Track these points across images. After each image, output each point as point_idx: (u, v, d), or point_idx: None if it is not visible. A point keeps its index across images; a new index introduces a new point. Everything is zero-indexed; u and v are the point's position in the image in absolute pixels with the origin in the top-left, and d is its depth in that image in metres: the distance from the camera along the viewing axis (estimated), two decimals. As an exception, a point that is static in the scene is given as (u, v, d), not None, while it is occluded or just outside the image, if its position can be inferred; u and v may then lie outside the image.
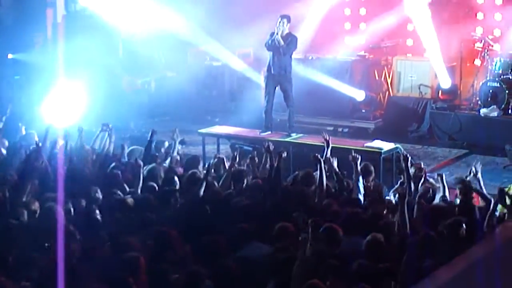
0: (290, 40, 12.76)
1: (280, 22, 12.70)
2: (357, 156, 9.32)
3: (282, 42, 12.64)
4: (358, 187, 8.98)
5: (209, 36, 16.79)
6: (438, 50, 15.21)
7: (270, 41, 12.75)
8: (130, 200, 8.43)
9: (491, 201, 8.10)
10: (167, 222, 7.74)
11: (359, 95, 15.56)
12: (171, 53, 17.40)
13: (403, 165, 8.94)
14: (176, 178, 9.31)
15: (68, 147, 10.18)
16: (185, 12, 15.99)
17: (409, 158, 9.01)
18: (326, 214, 7.94)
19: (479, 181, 8.81)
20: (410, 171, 8.87)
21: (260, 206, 8.43)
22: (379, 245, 7.06)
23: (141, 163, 9.33)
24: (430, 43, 15.34)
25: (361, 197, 8.88)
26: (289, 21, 12.75)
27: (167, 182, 9.26)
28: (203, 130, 13.74)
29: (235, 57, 17.20)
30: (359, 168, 9.17)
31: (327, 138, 10.35)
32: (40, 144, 9.69)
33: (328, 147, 10.11)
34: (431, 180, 9.35)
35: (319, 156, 9.37)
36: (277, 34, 12.63)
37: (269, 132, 13.00)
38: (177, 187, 9.12)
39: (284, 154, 9.52)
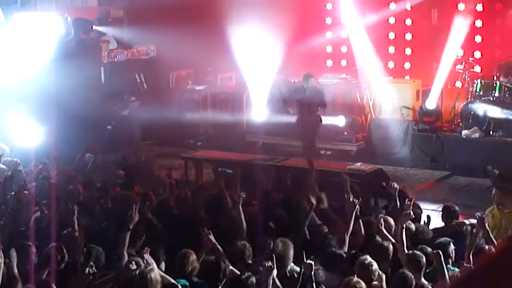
0: None
1: None
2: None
3: None
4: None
5: (192, 60, 16.81)
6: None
7: None
8: None
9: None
10: None
11: (340, 120, 15.61)
12: (153, 77, 17.39)
13: (391, 193, 8.96)
14: None
15: None
16: (168, 36, 15.98)
17: (397, 188, 9.02)
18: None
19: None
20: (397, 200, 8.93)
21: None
22: None
23: None
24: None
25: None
26: None
27: None
28: (186, 154, 13.69)
29: (217, 81, 17.23)
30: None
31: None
32: None
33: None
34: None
35: None
36: None
37: None
38: None
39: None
